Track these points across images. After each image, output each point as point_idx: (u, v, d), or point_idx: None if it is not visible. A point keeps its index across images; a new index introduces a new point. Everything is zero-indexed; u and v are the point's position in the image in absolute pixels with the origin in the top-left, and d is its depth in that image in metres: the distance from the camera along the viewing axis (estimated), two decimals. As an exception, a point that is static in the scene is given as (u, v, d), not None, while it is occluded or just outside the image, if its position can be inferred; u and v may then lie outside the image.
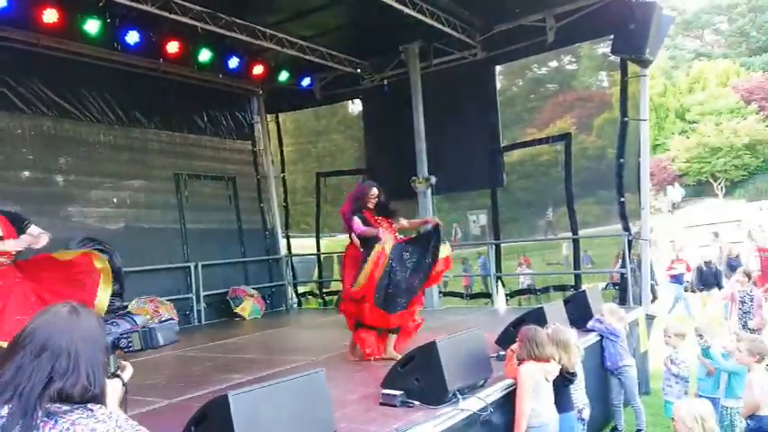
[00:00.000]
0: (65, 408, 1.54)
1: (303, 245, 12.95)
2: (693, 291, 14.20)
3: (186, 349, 7.45)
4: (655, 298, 14.11)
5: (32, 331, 1.62)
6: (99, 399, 1.64)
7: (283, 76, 10.72)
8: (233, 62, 9.78)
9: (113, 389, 1.85)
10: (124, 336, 2.08)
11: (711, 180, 37.54)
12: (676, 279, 14.03)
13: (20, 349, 1.59)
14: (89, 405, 1.59)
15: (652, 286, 14.05)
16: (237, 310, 10.37)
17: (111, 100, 9.59)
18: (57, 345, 1.60)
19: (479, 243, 10.60)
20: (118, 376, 1.97)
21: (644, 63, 8.04)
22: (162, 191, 10.28)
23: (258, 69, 10.35)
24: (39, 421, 1.50)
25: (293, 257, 12.33)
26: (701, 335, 5.42)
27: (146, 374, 5.71)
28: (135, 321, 2.20)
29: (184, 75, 10.40)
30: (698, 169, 37.89)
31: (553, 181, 9.75)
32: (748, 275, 8.12)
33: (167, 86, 10.30)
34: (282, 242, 12.32)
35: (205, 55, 9.30)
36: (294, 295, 12.16)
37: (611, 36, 8.15)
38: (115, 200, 9.65)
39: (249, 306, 10.46)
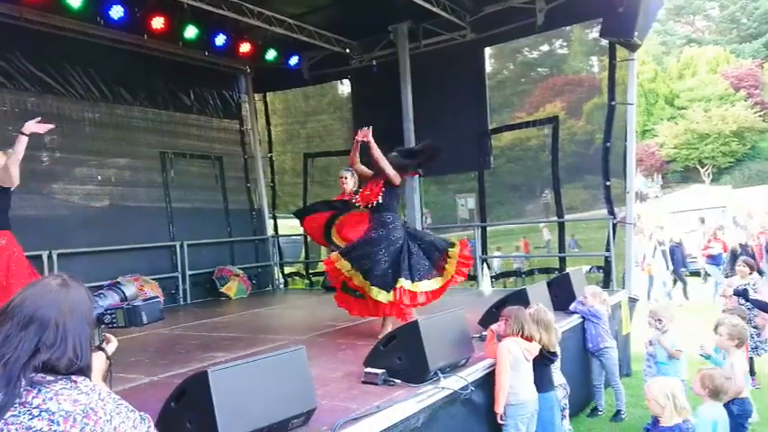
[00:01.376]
0: (49, 378, 1.56)
1: (290, 225, 12.92)
2: (727, 275, 13.27)
3: (171, 328, 7.46)
4: (684, 284, 14.04)
5: (21, 302, 1.64)
6: (84, 372, 1.67)
7: (271, 54, 10.60)
8: (220, 39, 9.66)
9: (97, 362, 1.87)
10: (109, 312, 2.08)
11: (699, 166, 37.81)
12: (714, 260, 13.94)
13: (8, 320, 1.61)
14: (73, 377, 1.61)
15: (680, 273, 13.94)
16: (223, 289, 10.35)
17: (96, 76, 9.44)
18: (45, 317, 1.61)
19: (465, 226, 10.61)
20: (102, 349, 1.98)
21: (632, 47, 8.03)
22: (147, 169, 10.18)
23: (245, 47, 10.22)
24: (22, 390, 1.52)
25: (280, 238, 12.32)
26: (659, 319, 5.47)
27: (129, 352, 5.70)
28: (123, 293, 2.20)
29: (170, 52, 10.27)
30: (685, 155, 38.17)
31: (541, 165, 9.78)
32: (750, 266, 7.14)
33: (153, 63, 10.17)
34: (269, 222, 12.30)
35: (191, 32, 9.18)
36: (280, 275, 12.16)
37: (600, 19, 8.12)
38: (100, 177, 9.53)
39: (235, 286, 10.45)
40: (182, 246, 10.17)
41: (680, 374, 5.35)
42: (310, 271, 12.07)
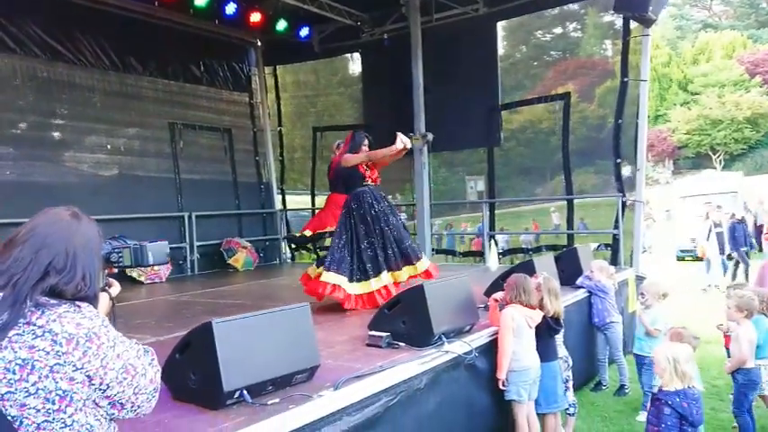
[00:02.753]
0: (53, 301, 1.57)
1: (298, 201, 12.94)
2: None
3: (178, 295, 7.52)
4: (746, 264, 12.84)
5: (33, 228, 1.65)
6: (91, 300, 1.68)
7: (281, 25, 10.54)
8: (230, 8, 9.61)
9: (102, 302, 1.87)
10: (116, 250, 2.09)
11: (711, 153, 37.48)
12: None
13: (20, 243, 1.62)
14: (78, 302, 1.61)
15: (741, 252, 12.89)
16: (230, 261, 10.41)
17: (106, 45, 9.45)
18: (56, 244, 1.62)
19: (474, 202, 10.56)
20: (105, 290, 1.98)
21: (646, 22, 7.91)
22: (157, 139, 10.21)
23: (255, 17, 10.16)
24: (27, 310, 1.53)
25: (288, 212, 12.33)
26: (642, 293, 5.52)
27: (135, 315, 5.76)
28: (127, 243, 2.20)
29: (181, 22, 10.23)
30: (697, 141, 37.85)
31: (552, 148, 9.71)
32: None
33: (164, 33, 10.14)
34: (278, 197, 12.31)
35: (201, -1, 9.13)
36: (288, 249, 12.19)
37: (615, -7, 7.99)
38: (109, 146, 9.57)
39: (242, 258, 10.50)
40: (190, 217, 10.22)
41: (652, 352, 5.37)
42: (318, 245, 12.06)
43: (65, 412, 1.52)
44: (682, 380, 3.49)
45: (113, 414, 1.66)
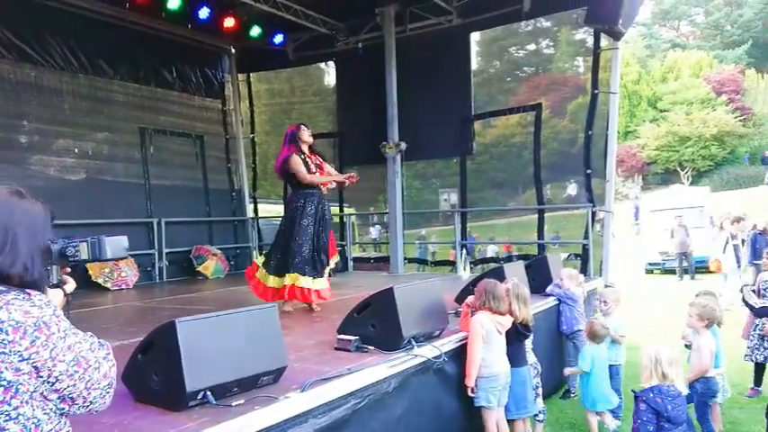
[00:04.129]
0: (1, 288, 1.50)
1: (270, 210, 12.84)
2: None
3: (145, 301, 7.38)
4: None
5: None
6: (39, 287, 1.59)
7: (255, 31, 10.48)
8: (203, 12, 9.52)
9: (55, 296, 1.79)
10: (71, 244, 2.02)
11: (679, 169, 38.28)
12: None
13: None
14: (27, 290, 1.54)
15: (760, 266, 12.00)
16: (200, 268, 10.26)
17: (76, 47, 9.30)
18: None
19: (447, 211, 10.59)
20: (59, 287, 1.91)
21: (616, 35, 8.07)
22: (126, 144, 10.04)
23: (229, 22, 10.09)
24: None
25: (260, 220, 12.22)
26: (604, 301, 5.61)
27: (99, 320, 5.61)
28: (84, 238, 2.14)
29: (153, 27, 10.13)
30: (666, 158, 38.66)
31: (524, 163, 9.84)
32: None
33: (135, 37, 10.01)
34: (250, 206, 12.20)
35: (174, 2, 9.05)
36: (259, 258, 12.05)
37: (585, 6, 8.13)
38: (77, 150, 9.37)
39: (212, 265, 10.36)
40: (159, 223, 10.06)
41: (619, 359, 5.45)
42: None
43: (9, 404, 1.45)
44: (661, 380, 3.55)
45: (64, 409, 1.59)
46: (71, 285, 1.97)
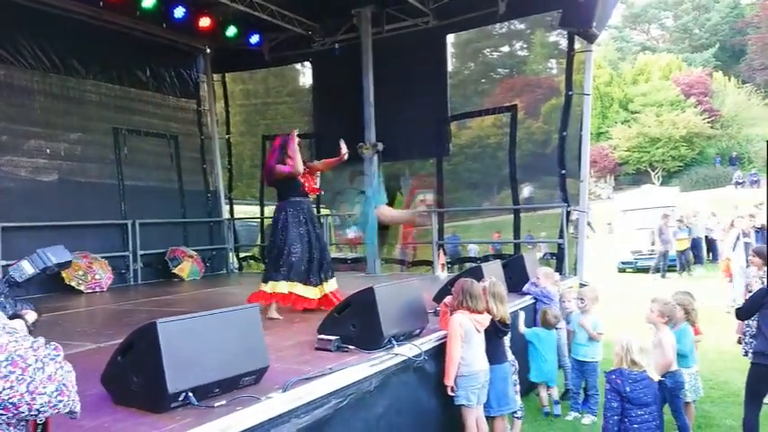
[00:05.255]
0: None
1: (246, 211, 12.77)
2: None
3: (120, 304, 7.28)
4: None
5: None
6: None
7: (231, 31, 10.41)
8: (179, 12, 9.43)
9: (17, 326, 1.69)
10: (12, 267, 2.00)
11: (650, 169, 38.94)
12: None
13: None
14: None
15: None
16: (176, 270, 10.15)
17: (47, 46, 9.14)
18: None
19: (424, 211, 10.63)
20: (19, 316, 1.87)
21: (590, 38, 8.20)
22: (99, 144, 9.89)
23: (205, 22, 10.01)
24: None
25: (236, 221, 12.14)
26: (581, 298, 5.72)
27: (75, 324, 5.54)
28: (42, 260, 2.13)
29: (127, 25, 10.00)
30: (637, 158, 39.29)
31: (500, 163, 9.94)
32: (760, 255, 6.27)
33: (109, 36, 9.87)
34: (225, 207, 12.11)
35: (149, 1, 8.95)
36: (235, 259, 11.98)
37: (560, 9, 8.25)
38: (49, 151, 9.20)
39: (188, 267, 10.26)
40: (133, 224, 9.93)
41: (597, 356, 5.56)
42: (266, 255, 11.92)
43: None
44: (630, 366, 3.78)
45: (7, 417, 1.45)
46: (32, 315, 1.94)
